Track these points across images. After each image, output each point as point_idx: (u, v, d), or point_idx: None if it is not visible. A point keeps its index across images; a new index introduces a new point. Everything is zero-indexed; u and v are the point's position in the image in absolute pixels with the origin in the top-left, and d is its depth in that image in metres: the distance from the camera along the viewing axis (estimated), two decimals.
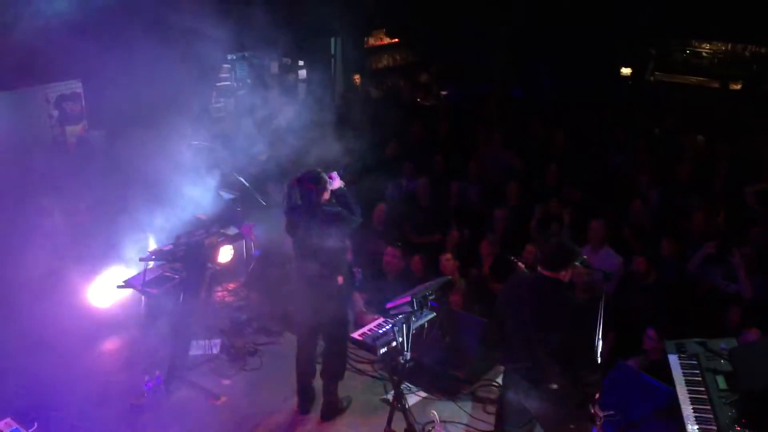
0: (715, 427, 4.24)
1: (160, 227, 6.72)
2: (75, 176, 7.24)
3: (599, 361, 4.60)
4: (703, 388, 4.58)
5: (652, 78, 13.62)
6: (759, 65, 12.72)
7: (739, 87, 12.78)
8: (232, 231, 6.96)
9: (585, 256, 5.23)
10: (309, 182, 5.46)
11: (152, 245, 6.65)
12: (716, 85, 12.99)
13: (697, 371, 4.72)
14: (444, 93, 13.89)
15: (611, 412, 4.71)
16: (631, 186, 8.52)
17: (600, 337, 4.75)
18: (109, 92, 7.79)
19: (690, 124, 10.25)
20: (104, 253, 6.90)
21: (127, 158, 7.24)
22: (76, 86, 8.71)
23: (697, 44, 13.50)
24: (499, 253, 7.36)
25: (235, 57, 11.04)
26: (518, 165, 9.46)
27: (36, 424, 5.36)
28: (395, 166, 9.70)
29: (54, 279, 6.70)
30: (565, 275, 4.32)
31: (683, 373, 4.75)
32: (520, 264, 5.26)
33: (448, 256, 7.16)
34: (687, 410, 4.42)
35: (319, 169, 5.56)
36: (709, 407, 4.40)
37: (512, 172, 9.25)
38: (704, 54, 13.47)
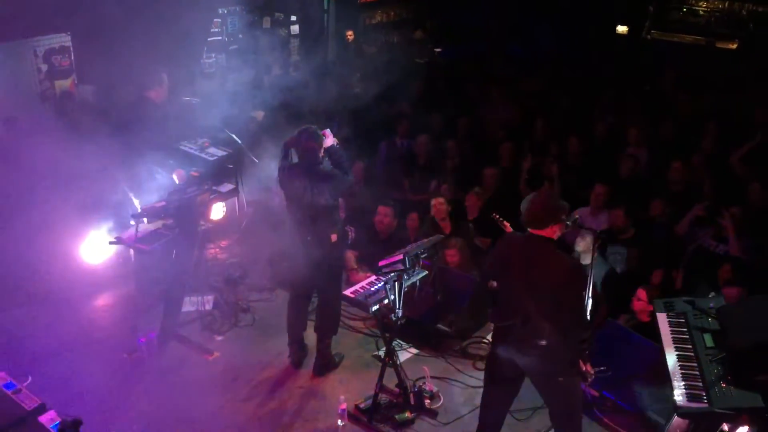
0: (701, 384, 4.29)
1: (151, 184, 6.69)
2: (65, 131, 7.17)
3: (589, 318, 4.64)
4: (690, 346, 4.63)
5: (648, 36, 13.49)
6: (755, 24, 12.60)
7: (735, 46, 12.68)
8: (225, 188, 6.94)
9: (577, 216, 5.24)
10: (308, 139, 5.43)
11: (136, 203, 6.63)
12: (712, 44, 12.88)
13: (685, 329, 4.76)
14: (438, 50, 13.74)
15: (602, 368, 4.77)
16: (621, 144, 8.51)
17: (590, 295, 4.79)
18: (98, 46, 7.68)
19: (684, 83, 10.20)
20: (96, 209, 6.87)
21: (116, 113, 7.17)
22: (65, 40, 8.55)
23: (693, 2, 13.34)
24: (484, 208, 7.36)
25: (226, 11, 10.85)
26: (514, 122, 9.42)
27: (30, 378, 5.40)
28: (389, 124, 9.63)
29: (46, 234, 6.68)
30: (553, 232, 4.30)
31: (671, 330, 4.79)
32: (505, 222, 5.26)
33: (441, 199, 7.12)
34: (674, 367, 4.48)
35: (315, 127, 5.53)
36: (695, 364, 4.45)
37: (505, 129, 9.22)
38: (701, 12, 13.32)
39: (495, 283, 4.49)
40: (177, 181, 6.52)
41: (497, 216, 5.34)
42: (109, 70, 7.67)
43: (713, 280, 5.94)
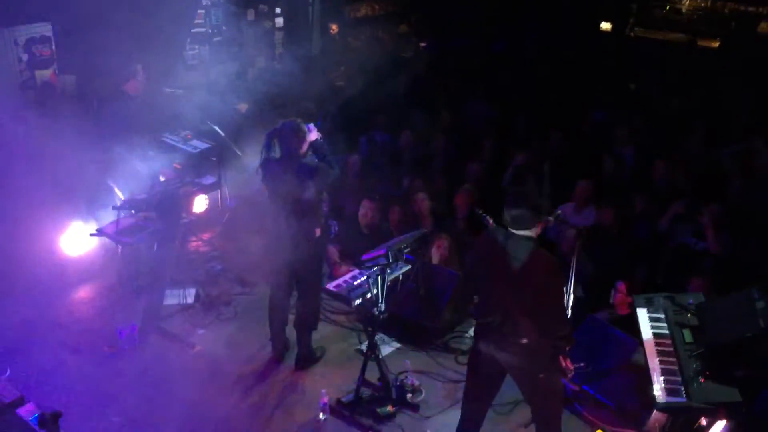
0: (680, 379, 4.35)
1: (132, 176, 6.65)
2: (45, 122, 7.10)
3: (569, 314, 4.68)
4: (669, 341, 4.68)
5: (632, 34, 13.58)
6: (737, 23, 12.72)
7: (717, 44, 12.80)
8: (207, 180, 6.92)
9: (560, 211, 5.26)
10: (290, 133, 5.40)
11: (119, 195, 6.59)
12: (694, 41, 12.98)
13: (665, 325, 4.81)
14: (423, 44, 13.74)
15: (582, 364, 4.81)
16: (607, 141, 8.56)
17: (571, 291, 4.83)
18: (80, 36, 7.61)
19: (667, 81, 10.28)
20: (77, 200, 6.83)
21: (98, 104, 7.12)
22: (45, 29, 8.47)
23: (676, 0, 13.46)
24: (474, 206, 7.38)
25: (210, 3, 10.78)
26: (497, 117, 9.44)
27: (9, 371, 5.36)
28: (371, 118, 9.63)
29: (26, 226, 6.62)
30: (535, 231, 4.33)
31: (651, 326, 4.85)
32: (489, 219, 5.27)
33: (423, 195, 7.10)
34: (653, 362, 4.52)
35: (299, 120, 5.51)
36: (674, 360, 4.50)
37: (489, 125, 9.23)
38: (683, 10, 13.44)
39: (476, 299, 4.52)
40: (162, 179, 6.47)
41: (480, 211, 5.34)
42: (89, 60, 7.61)
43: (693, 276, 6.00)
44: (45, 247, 6.78)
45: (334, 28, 12.74)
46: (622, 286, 5.86)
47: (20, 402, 4.17)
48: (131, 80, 6.76)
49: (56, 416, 3.85)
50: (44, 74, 8.56)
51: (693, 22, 13.25)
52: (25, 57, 8.35)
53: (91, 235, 6.45)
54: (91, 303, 6.68)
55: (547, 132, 8.63)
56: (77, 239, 6.84)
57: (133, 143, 6.56)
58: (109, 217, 6.49)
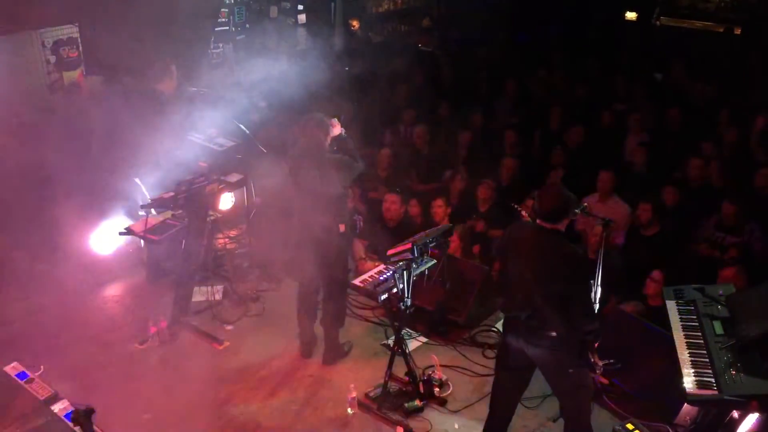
0: (710, 371, 4.29)
1: (159, 175, 6.71)
2: (74, 123, 7.19)
3: (597, 308, 4.63)
4: (699, 333, 4.61)
5: (658, 23, 13.37)
6: (766, 9, 12.46)
7: (744, 32, 12.55)
8: (233, 178, 6.96)
9: (585, 204, 5.22)
10: (314, 127, 5.43)
11: (146, 192, 6.66)
12: (722, 29, 12.75)
13: (694, 316, 4.75)
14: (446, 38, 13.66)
15: (611, 360, 4.77)
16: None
17: (599, 284, 4.79)
18: (106, 37, 7.70)
19: (694, 70, 10.11)
20: (106, 199, 6.91)
21: (125, 104, 7.18)
22: (72, 31, 8.57)
23: None
24: (497, 200, 7.36)
25: (233, 1, 10.83)
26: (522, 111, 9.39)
27: (42, 368, 5.44)
28: (395, 112, 9.61)
29: (58, 225, 6.72)
30: (563, 224, 4.31)
31: (680, 318, 4.78)
32: (523, 213, 5.24)
33: (440, 202, 7.12)
34: (683, 355, 4.47)
35: (322, 115, 5.53)
36: (705, 352, 4.44)
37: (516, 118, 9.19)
38: None
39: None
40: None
41: (515, 205, 5.31)
42: (118, 61, 7.69)
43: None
44: (76, 246, 6.88)
45: (355, 24, 12.72)
46: (658, 274, 5.79)
47: (54, 399, 4.24)
48: (165, 79, 6.81)
49: (89, 412, 3.90)
50: (72, 75, 8.66)
51: (720, 9, 13.00)
52: (52, 59, 8.45)
53: (120, 233, 6.52)
54: (121, 300, 6.78)
55: (570, 126, 8.55)
56: (107, 238, 6.93)
57: (162, 141, 6.60)
58: (137, 215, 6.56)
